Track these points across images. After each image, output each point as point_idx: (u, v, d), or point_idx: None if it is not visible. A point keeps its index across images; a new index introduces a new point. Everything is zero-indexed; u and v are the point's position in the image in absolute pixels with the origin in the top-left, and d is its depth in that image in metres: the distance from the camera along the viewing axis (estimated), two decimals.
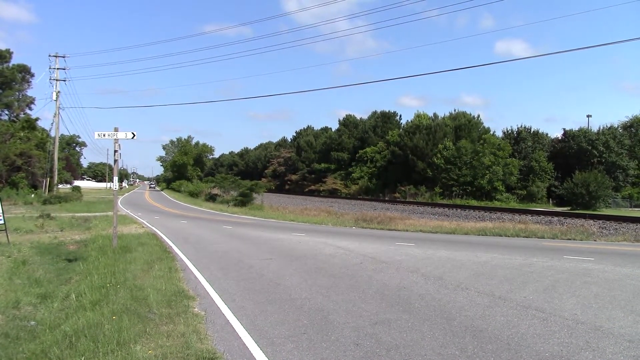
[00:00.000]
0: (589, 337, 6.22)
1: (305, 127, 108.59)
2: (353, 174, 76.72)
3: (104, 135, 14.40)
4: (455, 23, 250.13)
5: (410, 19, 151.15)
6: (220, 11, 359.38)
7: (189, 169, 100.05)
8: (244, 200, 46.78)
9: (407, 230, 22.69)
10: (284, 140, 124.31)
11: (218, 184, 62.66)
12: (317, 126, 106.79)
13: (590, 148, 55.11)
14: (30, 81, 60.33)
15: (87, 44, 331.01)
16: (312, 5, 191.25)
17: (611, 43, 42.94)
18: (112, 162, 16.13)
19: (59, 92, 49.76)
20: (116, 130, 14.30)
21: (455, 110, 71.31)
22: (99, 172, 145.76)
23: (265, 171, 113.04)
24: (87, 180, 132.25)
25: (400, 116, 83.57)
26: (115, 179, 15.34)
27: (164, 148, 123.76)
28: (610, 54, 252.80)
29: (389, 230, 23.20)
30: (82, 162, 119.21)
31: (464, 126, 64.92)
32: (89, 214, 29.89)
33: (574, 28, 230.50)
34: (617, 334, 6.34)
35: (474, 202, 53.42)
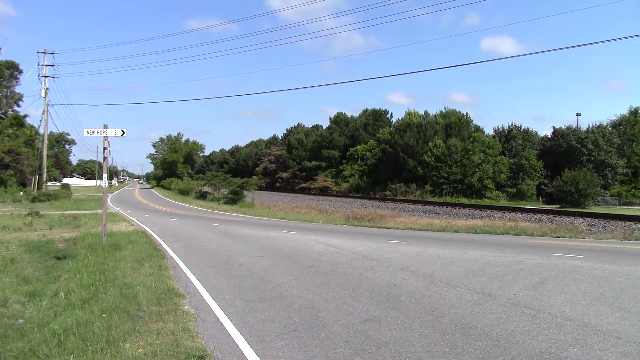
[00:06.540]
0: (578, 334, 6.27)
1: (296, 125, 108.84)
2: (344, 172, 76.72)
3: (93, 132, 14.27)
4: (442, 20, 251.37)
5: (398, 17, 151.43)
6: (206, 8, 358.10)
7: (179, 167, 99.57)
8: (234, 198, 46.63)
9: (397, 228, 22.75)
10: (274, 138, 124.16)
11: (209, 181, 62.41)
12: (307, 124, 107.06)
13: (579, 146, 55.55)
14: (18, 78, 59.62)
15: (74, 41, 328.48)
16: (298, 3, 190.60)
17: (596, 42, 43.32)
18: (101, 160, 16.02)
19: (47, 88, 49.32)
20: (105, 127, 14.19)
21: (445, 108, 71.62)
22: (88, 170, 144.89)
23: (256, 169, 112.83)
24: (77, 177, 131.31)
25: (391, 114, 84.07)
26: (105, 176, 15.23)
27: (154, 145, 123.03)
28: (597, 53, 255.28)
29: (380, 228, 23.24)
30: (71, 160, 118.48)
31: (454, 124, 65.19)
32: (79, 212, 29.64)
33: (561, 26, 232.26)
34: (605, 331, 6.40)
35: (464, 200, 53.68)
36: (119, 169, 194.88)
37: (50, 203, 38.05)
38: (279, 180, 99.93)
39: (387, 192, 64.33)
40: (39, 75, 49.55)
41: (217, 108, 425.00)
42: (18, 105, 60.22)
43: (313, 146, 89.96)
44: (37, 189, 48.07)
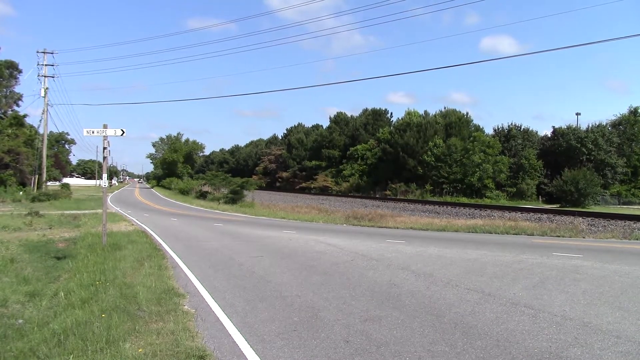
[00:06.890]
0: (578, 333, 6.26)
1: (296, 125, 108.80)
2: (344, 172, 76.76)
3: (93, 132, 14.23)
4: (441, 20, 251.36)
5: (398, 17, 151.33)
6: (206, 8, 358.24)
7: (179, 166, 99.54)
8: (234, 198, 46.61)
9: (397, 228, 22.74)
10: (274, 137, 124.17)
11: (209, 181, 62.46)
12: (307, 124, 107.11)
13: (579, 146, 55.55)
14: (18, 77, 59.54)
15: (74, 41, 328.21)
16: (298, 3, 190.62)
17: (596, 42, 43.29)
18: (101, 160, 16.00)
19: (47, 88, 49.33)
20: (105, 127, 14.16)
21: (445, 108, 71.63)
22: (88, 170, 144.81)
23: (256, 168, 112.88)
24: (77, 177, 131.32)
25: (391, 114, 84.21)
26: (104, 176, 15.21)
27: (153, 145, 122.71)
28: (597, 53, 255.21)
29: (380, 227, 23.23)
30: (71, 160, 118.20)
31: (454, 124, 65.22)
32: (78, 212, 29.62)
33: (561, 26, 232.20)
34: (605, 330, 6.40)
35: (464, 200, 53.71)
36: (119, 168, 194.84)
37: (50, 203, 38.02)
38: (279, 180, 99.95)
39: (387, 192, 64.34)
40: (38, 75, 49.64)
41: (217, 108, 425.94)
42: (18, 105, 60.16)
43: (313, 146, 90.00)
44: (37, 188, 48.04)
